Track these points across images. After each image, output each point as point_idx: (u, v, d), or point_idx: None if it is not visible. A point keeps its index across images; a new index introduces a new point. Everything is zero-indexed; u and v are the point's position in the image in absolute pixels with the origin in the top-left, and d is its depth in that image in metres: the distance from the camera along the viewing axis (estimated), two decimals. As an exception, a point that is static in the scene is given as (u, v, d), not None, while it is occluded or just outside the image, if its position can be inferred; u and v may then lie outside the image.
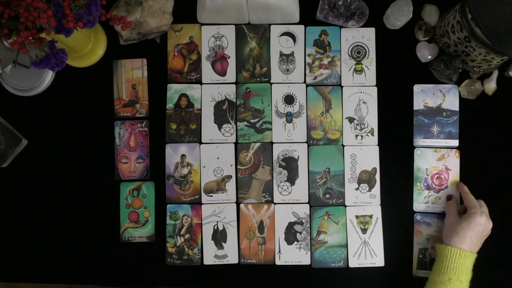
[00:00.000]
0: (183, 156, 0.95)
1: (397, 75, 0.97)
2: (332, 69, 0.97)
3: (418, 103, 0.96)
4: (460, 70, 0.95)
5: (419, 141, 0.95)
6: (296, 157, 0.96)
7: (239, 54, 0.98)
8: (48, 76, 0.96)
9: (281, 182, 0.95)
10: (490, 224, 0.87)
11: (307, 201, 0.95)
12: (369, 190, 0.95)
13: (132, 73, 0.97)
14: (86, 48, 0.93)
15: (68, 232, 0.95)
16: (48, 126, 0.97)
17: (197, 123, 0.96)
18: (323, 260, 0.94)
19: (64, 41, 0.84)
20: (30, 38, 0.71)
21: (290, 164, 0.95)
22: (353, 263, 0.94)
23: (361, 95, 0.97)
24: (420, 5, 0.98)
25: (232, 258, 0.94)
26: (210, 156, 0.95)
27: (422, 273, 0.93)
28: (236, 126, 0.96)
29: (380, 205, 0.95)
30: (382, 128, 0.96)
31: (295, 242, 0.94)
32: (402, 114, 0.97)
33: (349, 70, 0.97)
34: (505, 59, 0.89)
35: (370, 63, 0.97)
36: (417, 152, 0.95)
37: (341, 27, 0.98)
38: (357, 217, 0.94)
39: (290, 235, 0.94)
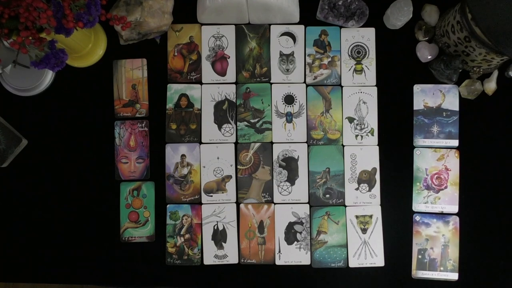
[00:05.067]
0: (183, 156, 0.95)
1: (397, 75, 0.97)
2: (332, 69, 0.97)
3: (418, 103, 0.96)
4: (460, 70, 0.95)
5: (419, 141, 0.95)
6: (296, 157, 0.96)
7: (239, 54, 0.98)
8: (48, 76, 0.96)
9: (281, 182, 0.95)
10: None
11: (307, 201, 0.95)
12: (369, 190, 0.95)
13: (132, 73, 0.97)
14: (86, 48, 0.93)
15: (68, 232, 0.95)
16: (48, 126, 0.97)
17: (197, 123, 0.96)
18: (323, 260, 0.94)
19: (64, 41, 0.84)
20: (30, 38, 0.71)
21: (290, 164, 0.95)
22: (353, 263, 0.94)
23: (361, 95, 0.97)
24: (420, 5, 0.98)
25: (232, 258, 0.94)
26: (210, 156, 0.95)
27: (421, 274, 0.93)
28: (236, 126, 0.96)
29: (380, 205, 0.95)
30: (382, 128, 0.96)
31: (295, 242, 0.94)
32: (402, 114, 0.97)
33: (349, 70, 0.97)
34: (505, 59, 0.89)
35: (370, 63, 0.97)
36: (416, 152, 0.95)
37: (341, 27, 0.98)
38: (357, 217, 0.95)
39: (290, 235, 0.94)
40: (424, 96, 0.96)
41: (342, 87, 0.97)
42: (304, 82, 0.97)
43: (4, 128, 0.92)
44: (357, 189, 0.95)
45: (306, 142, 0.96)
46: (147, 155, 0.96)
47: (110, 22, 0.78)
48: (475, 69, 0.94)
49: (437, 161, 0.95)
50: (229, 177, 0.95)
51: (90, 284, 0.96)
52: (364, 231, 0.94)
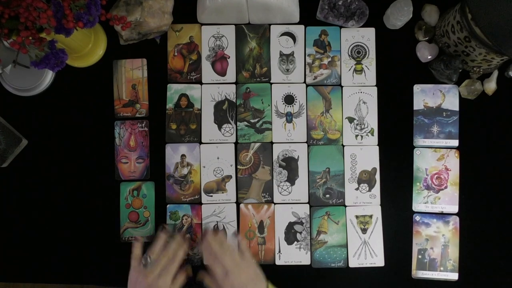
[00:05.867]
0: (183, 156, 0.95)
1: (397, 75, 0.97)
2: (332, 69, 0.97)
3: (418, 103, 0.96)
4: (460, 70, 0.95)
5: (419, 141, 0.95)
6: (296, 157, 0.96)
7: (239, 54, 0.98)
8: (48, 76, 0.96)
9: (281, 182, 0.95)
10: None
11: (307, 201, 0.95)
12: (369, 190, 0.95)
13: (132, 73, 0.97)
14: (86, 48, 0.93)
15: (68, 232, 0.95)
16: (48, 126, 0.97)
17: (197, 123, 0.96)
18: (323, 260, 0.94)
19: (64, 41, 0.84)
20: (30, 38, 0.71)
21: (290, 164, 0.95)
22: (353, 263, 0.94)
23: (361, 95, 0.97)
24: (420, 5, 0.98)
25: (232, 258, 0.94)
26: (210, 156, 0.95)
27: (421, 274, 0.93)
28: (236, 126, 0.96)
29: (380, 205, 0.95)
30: (382, 128, 0.96)
31: (295, 242, 0.94)
32: (402, 114, 0.97)
33: (349, 70, 0.97)
34: (505, 59, 0.89)
35: (370, 63, 0.97)
36: (416, 152, 0.95)
37: (341, 27, 0.98)
38: (357, 217, 0.95)
39: (290, 235, 0.94)
40: (424, 96, 0.96)
41: (342, 87, 0.97)
42: (304, 82, 0.97)
43: (4, 128, 0.92)
44: (357, 189, 0.95)
45: (306, 142, 0.96)
46: (147, 155, 0.96)
47: (110, 22, 0.78)
48: (475, 69, 0.94)
49: (437, 161, 0.95)
50: (229, 177, 0.95)
51: (90, 284, 0.96)
52: (364, 231, 0.94)
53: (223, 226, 0.94)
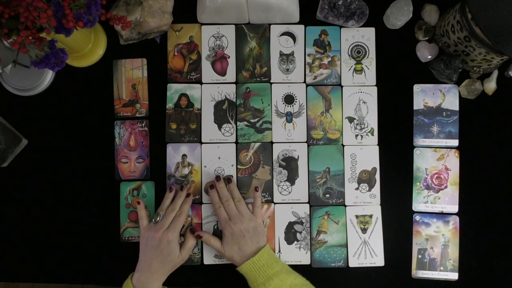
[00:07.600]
0: (184, 156, 0.95)
1: (397, 75, 0.97)
2: (332, 69, 0.97)
3: (418, 103, 0.96)
4: (460, 70, 0.95)
5: (419, 140, 0.96)
6: (296, 157, 0.96)
7: (239, 54, 0.98)
8: (48, 76, 0.96)
9: (281, 182, 0.95)
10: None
11: (307, 201, 0.95)
12: (369, 190, 0.95)
13: (132, 73, 0.97)
14: (86, 48, 0.93)
15: (68, 232, 0.95)
16: (48, 126, 0.97)
17: (197, 123, 0.96)
18: (323, 260, 0.94)
19: (64, 41, 0.84)
20: (30, 38, 0.71)
21: (290, 164, 0.95)
22: (353, 263, 0.94)
23: (361, 95, 0.97)
24: (420, 5, 0.98)
25: (232, 258, 0.94)
26: (211, 156, 0.95)
27: (421, 274, 0.93)
28: (236, 126, 0.96)
29: (380, 204, 0.95)
30: (382, 128, 0.96)
31: (295, 242, 0.94)
32: (402, 114, 0.97)
33: (349, 70, 0.97)
34: (505, 59, 0.89)
35: (370, 63, 0.97)
36: (416, 152, 0.95)
37: (341, 27, 0.98)
38: (357, 216, 0.95)
39: (290, 235, 0.94)
40: (424, 96, 0.96)
41: (342, 87, 0.97)
42: (304, 82, 0.97)
43: (4, 128, 0.92)
44: (357, 189, 0.95)
45: (306, 142, 0.96)
46: (147, 155, 0.96)
47: (110, 22, 0.78)
48: (475, 69, 0.95)
49: (437, 161, 0.95)
50: (230, 177, 0.95)
51: (90, 284, 0.96)
52: (364, 231, 0.94)
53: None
